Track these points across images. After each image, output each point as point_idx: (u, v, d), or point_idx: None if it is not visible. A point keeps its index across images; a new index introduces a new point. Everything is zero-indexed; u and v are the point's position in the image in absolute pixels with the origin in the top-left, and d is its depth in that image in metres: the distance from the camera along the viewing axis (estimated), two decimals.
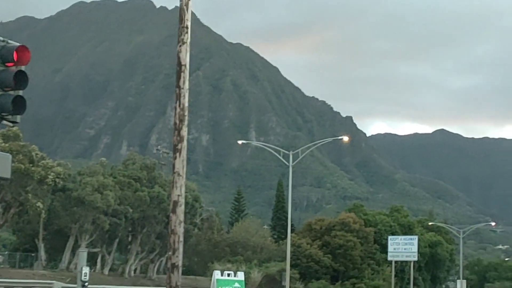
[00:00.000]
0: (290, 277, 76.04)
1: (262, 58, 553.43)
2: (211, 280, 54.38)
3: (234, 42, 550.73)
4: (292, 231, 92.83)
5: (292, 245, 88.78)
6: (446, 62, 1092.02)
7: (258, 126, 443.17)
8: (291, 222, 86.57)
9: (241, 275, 53.84)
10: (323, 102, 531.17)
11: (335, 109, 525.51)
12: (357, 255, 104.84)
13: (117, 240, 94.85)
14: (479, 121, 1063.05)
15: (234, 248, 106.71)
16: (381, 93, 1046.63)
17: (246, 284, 56.91)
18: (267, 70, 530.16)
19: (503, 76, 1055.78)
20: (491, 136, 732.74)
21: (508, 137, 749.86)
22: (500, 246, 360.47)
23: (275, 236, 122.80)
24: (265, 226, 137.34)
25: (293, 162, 67.27)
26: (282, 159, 68.54)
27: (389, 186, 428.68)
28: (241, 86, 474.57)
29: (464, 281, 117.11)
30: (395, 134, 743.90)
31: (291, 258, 76.36)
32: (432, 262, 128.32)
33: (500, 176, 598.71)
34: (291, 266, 79.90)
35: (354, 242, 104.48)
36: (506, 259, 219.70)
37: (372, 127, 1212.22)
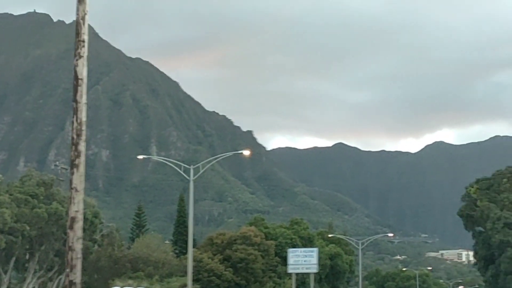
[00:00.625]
0: None
1: (162, 72, 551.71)
2: None
3: (134, 56, 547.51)
4: (193, 245, 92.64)
5: (194, 260, 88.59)
6: (343, 77, 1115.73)
7: (158, 140, 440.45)
8: (193, 237, 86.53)
9: None
10: (224, 117, 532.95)
11: (235, 124, 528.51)
12: (258, 268, 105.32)
13: (13, 258, 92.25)
14: (376, 135, 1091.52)
15: (135, 264, 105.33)
16: (281, 108, 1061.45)
17: None
18: (167, 85, 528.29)
19: (398, 90, 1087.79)
20: (387, 149, 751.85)
21: (403, 150, 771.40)
22: (398, 257, 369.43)
23: (177, 251, 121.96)
24: (167, 241, 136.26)
25: (194, 176, 67.10)
26: (183, 173, 68.30)
27: (289, 199, 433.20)
28: (141, 101, 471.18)
29: None
30: (295, 148, 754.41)
31: (192, 273, 76.07)
32: (332, 274, 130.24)
33: (396, 188, 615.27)
34: (193, 281, 79.58)
35: (255, 256, 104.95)
36: (404, 269, 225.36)
37: (272, 141, 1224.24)
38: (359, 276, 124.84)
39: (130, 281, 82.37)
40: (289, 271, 43.77)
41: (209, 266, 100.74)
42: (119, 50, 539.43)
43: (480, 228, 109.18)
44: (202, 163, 69.98)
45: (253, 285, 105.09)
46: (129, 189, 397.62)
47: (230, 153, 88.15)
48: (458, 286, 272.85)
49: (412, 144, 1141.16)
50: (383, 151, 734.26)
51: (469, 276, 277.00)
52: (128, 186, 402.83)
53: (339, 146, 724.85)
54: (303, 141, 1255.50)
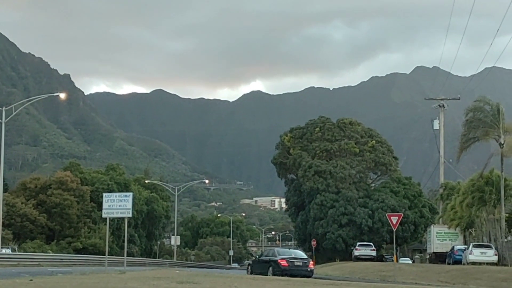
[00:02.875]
0: (3, 237, 73.56)
1: None
2: None
3: None
4: (5, 190, 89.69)
5: (6, 204, 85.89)
6: (162, 25, 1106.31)
7: None
8: (5, 181, 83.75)
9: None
10: (40, 59, 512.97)
11: (52, 67, 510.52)
12: (73, 214, 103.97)
13: None
14: (195, 84, 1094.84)
15: None
16: (100, 54, 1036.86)
17: None
18: None
19: (216, 41, 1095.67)
20: (206, 97, 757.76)
21: (222, 99, 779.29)
22: (213, 203, 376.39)
23: None
24: None
25: (6, 118, 64.71)
26: None
27: (106, 144, 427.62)
28: None
29: (178, 237, 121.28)
30: (114, 94, 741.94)
31: (4, 218, 73.75)
32: (148, 219, 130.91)
33: (214, 136, 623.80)
34: (5, 226, 77.24)
35: (71, 201, 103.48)
36: (219, 215, 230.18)
37: (91, 86, 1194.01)
38: (174, 221, 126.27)
39: None
40: (104, 215, 43.34)
41: (22, 211, 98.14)
42: None
43: (292, 176, 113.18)
44: (15, 105, 67.49)
45: (67, 231, 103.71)
46: None
47: (45, 96, 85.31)
48: (270, 232, 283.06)
49: (230, 93, 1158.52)
50: (202, 98, 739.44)
51: (280, 222, 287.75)
52: None
53: (158, 92, 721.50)
54: (122, 87, 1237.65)
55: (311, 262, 45.86)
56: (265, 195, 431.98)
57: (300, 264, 43.95)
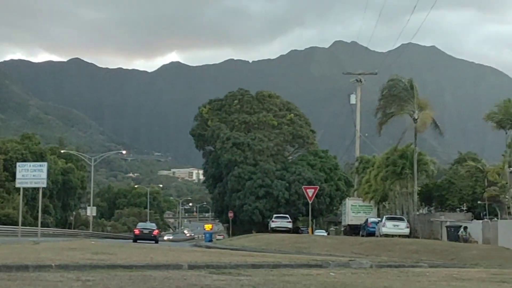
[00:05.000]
0: None
1: None
2: None
3: None
4: None
5: None
6: None
7: None
8: None
9: None
10: None
11: None
12: None
13: None
14: (113, 54, 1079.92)
15: None
16: (15, 20, 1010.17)
17: None
18: None
19: (133, 12, 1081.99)
20: (124, 68, 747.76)
21: (140, 69, 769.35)
22: (130, 174, 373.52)
23: None
24: None
25: None
26: None
27: (21, 113, 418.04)
28: None
29: (94, 207, 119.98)
30: (30, 61, 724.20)
31: None
32: (64, 190, 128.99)
33: (132, 106, 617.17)
34: None
35: None
36: (136, 186, 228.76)
37: (5, 53, 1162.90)
38: (91, 192, 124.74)
39: None
40: (17, 185, 42.46)
41: None
42: None
43: (210, 148, 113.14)
44: None
45: None
46: None
47: None
48: (187, 203, 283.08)
49: (147, 64, 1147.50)
50: (120, 68, 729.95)
51: (198, 194, 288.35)
52: None
53: (75, 61, 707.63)
54: (38, 56, 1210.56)
55: (156, 231, 68.62)
56: (183, 166, 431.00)
57: (147, 232, 66.89)
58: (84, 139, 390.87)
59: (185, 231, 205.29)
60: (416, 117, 64.75)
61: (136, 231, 68.14)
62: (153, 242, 61.13)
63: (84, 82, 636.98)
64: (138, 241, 61.65)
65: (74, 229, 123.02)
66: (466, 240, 49.08)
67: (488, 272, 21.41)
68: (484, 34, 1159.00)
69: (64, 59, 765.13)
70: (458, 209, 69.72)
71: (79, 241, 44.06)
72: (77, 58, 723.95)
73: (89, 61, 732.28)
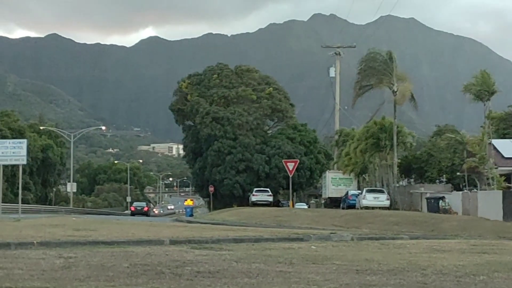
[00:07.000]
0: None
1: None
2: None
3: None
4: None
5: None
6: None
7: None
8: None
9: None
10: None
11: None
12: None
13: None
14: (88, 30, 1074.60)
15: None
16: None
17: None
18: None
19: None
20: (103, 43, 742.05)
21: (118, 44, 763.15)
22: (110, 150, 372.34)
23: None
24: None
25: None
26: None
27: None
28: None
29: (75, 184, 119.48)
30: (7, 38, 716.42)
31: None
32: (44, 166, 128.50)
33: (111, 81, 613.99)
34: None
35: None
36: (116, 162, 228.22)
37: None
38: (71, 168, 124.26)
39: None
40: None
41: None
42: None
43: (190, 122, 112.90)
44: None
45: None
46: None
47: None
48: (168, 178, 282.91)
49: (125, 39, 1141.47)
50: (98, 44, 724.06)
51: (178, 169, 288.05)
52: None
53: (53, 37, 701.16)
54: (15, 32, 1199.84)
55: (146, 208, 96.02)
56: (163, 141, 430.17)
57: (140, 208, 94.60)
58: (63, 115, 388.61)
59: (169, 206, 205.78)
60: (395, 90, 64.91)
61: (132, 208, 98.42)
62: (145, 216, 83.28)
63: (62, 58, 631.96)
64: (135, 215, 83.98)
65: (54, 205, 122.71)
66: (446, 211, 49.47)
67: (468, 243, 21.64)
68: (462, 5, 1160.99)
69: (42, 35, 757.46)
70: (437, 181, 70.22)
71: (60, 218, 43.96)
72: (54, 33, 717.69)
73: (67, 37, 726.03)
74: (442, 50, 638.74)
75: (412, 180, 77.76)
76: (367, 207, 57.39)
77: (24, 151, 40.76)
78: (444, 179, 69.35)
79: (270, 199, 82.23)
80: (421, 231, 34.62)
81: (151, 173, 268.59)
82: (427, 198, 54.96)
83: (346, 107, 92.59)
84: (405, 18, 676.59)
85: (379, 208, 56.01)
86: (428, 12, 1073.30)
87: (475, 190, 53.28)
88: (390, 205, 59.59)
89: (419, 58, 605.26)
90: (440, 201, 51.36)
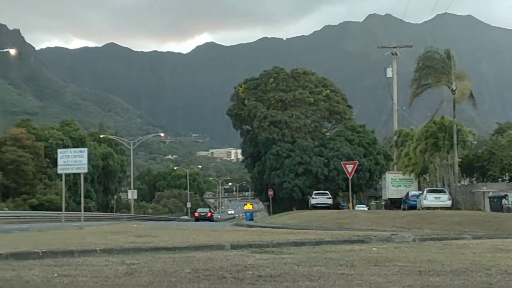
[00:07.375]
0: None
1: None
2: None
3: None
4: None
5: None
6: None
7: None
8: None
9: None
10: None
11: (1, 22, 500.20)
12: (29, 170, 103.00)
13: None
14: (146, 38, 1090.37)
15: None
16: (50, 9, 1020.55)
17: None
18: None
19: None
20: (159, 50, 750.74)
21: (175, 51, 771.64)
22: (169, 156, 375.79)
23: None
24: None
25: None
26: None
27: (59, 100, 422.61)
28: None
29: (135, 191, 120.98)
30: (66, 48, 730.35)
31: None
32: (104, 174, 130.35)
33: (168, 88, 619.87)
34: None
35: (27, 158, 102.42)
36: (175, 168, 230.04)
37: (41, 41, 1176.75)
38: (131, 175, 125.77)
39: None
40: (59, 171, 42.83)
41: None
42: None
43: (248, 127, 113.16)
44: None
45: (23, 188, 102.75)
46: None
47: None
48: (227, 183, 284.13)
49: (181, 46, 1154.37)
50: (155, 51, 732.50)
51: (237, 174, 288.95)
52: None
53: (111, 46, 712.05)
54: (73, 42, 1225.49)
55: (209, 214, 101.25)
56: (221, 146, 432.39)
57: (204, 214, 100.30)
58: (122, 123, 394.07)
59: (229, 211, 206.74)
60: (454, 88, 63.97)
61: (196, 214, 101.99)
62: (209, 221, 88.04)
63: (120, 67, 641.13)
64: (199, 220, 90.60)
65: (116, 212, 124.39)
66: (509, 210, 48.55)
67: None
68: None
69: (99, 45, 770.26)
70: (500, 179, 68.95)
71: (122, 225, 44.52)
72: (112, 43, 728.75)
73: (124, 46, 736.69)
74: (501, 46, 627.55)
75: (473, 179, 76.49)
76: (428, 208, 56.64)
77: (85, 160, 41.34)
78: (507, 177, 68.05)
79: (330, 201, 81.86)
80: (484, 231, 34.00)
81: (210, 178, 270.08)
82: (489, 197, 54.02)
83: (404, 107, 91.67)
84: (462, 15, 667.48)
85: (441, 208, 55.22)
86: (485, 9, 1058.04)
87: None
88: (452, 205, 58.72)
89: (478, 55, 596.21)
90: (503, 200, 50.42)
